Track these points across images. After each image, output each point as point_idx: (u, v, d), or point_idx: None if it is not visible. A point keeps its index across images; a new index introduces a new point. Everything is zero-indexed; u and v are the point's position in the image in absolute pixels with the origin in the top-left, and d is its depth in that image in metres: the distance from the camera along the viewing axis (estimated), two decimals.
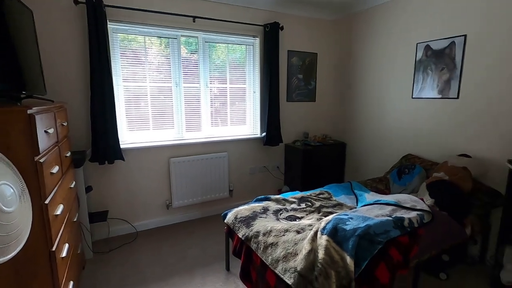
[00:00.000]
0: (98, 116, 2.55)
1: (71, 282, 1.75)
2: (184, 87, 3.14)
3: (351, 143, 3.80)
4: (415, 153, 2.95)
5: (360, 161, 3.68)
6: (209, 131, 3.36)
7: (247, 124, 3.62)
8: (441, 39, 2.62)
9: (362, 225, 1.64)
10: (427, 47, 2.73)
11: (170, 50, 3.02)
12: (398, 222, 1.72)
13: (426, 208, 1.91)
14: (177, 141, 3.12)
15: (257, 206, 2.24)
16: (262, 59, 3.46)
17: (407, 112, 3.01)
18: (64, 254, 1.60)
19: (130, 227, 2.97)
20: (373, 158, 3.49)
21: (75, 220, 2.09)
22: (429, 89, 2.76)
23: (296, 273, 1.45)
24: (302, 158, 3.48)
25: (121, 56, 2.77)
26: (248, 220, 2.02)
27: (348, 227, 1.64)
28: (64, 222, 1.73)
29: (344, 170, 3.94)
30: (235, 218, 2.10)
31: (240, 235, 1.94)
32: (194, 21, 2.98)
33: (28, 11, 1.80)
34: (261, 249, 1.73)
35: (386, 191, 2.65)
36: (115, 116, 2.63)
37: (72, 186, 2.07)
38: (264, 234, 1.81)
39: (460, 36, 2.47)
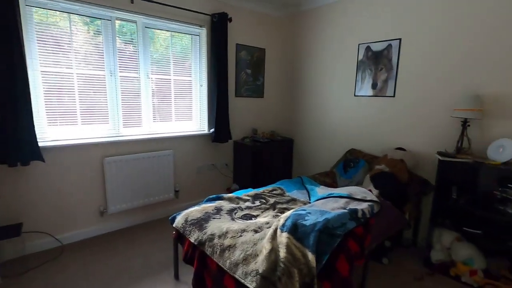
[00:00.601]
0: (5, 106, 2.05)
1: None
2: (120, 76, 2.77)
3: (298, 139, 3.89)
4: (358, 148, 3.14)
5: (307, 156, 3.79)
6: (151, 127, 3.03)
7: (194, 120, 3.39)
8: (379, 41, 2.82)
9: (321, 219, 1.63)
10: (368, 48, 2.92)
11: (103, 33, 2.62)
12: (353, 214, 1.76)
13: (375, 199, 2.02)
14: (112, 138, 2.73)
15: (209, 206, 2.08)
16: (209, 51, 3.27)
17: (350, 109, 3.19)
18: None
19: (53, 241, 2.50)
20: (319, 153, 3.62)
21: None
22: (369, 87, 2.96)
23: (258, 276, 1.35)
24: (251, 155, 3.42)
25: (38, 36, 2.28)
26: (200, 223, 1.84)
27: (307, 222, 1.61)
28: None
29: (292, 165, 4.01)
30: (186, 221, 1.91)
31: (192, 240, 1.76)
32: (132, 2, 2.64)
33: None
34: (217, 253, 1.58)
35: (334, 184, 2.75)
36: (31, 107, 2.15)
37: None
38: (219, 237, 1.66)
39: (396, 39, 2.69)
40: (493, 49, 2.13)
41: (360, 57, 3.00)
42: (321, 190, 2.41)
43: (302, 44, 3.66)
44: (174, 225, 1.97)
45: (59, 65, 2.42)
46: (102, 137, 2.69)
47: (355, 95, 3.11)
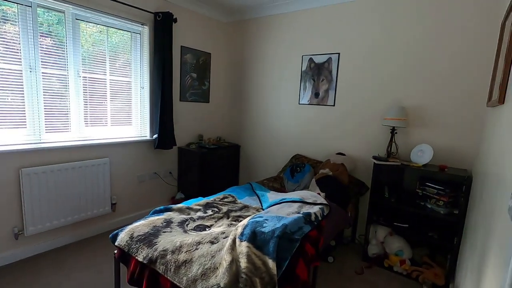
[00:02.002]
0: None
1: None
2: (43, 73, 2.37)
3: (245, 145, 3.90)
4: (302, 153, 3.30)
5: (254, 162, 3.83)
6: (82, 132, 2.67)
7: (134, 125, 3.11)
8: (321, 54, 3.04)
9: (279, 225, 1.64)
10: (311, 60, 3.12)
11: (20, 21, 2.20)
12: (307, 217, 1.83)
13: (325, 202, 2.14)
14: (31, 145, 2.31)
15: (157, 219, 1.91)
16: (152, 51, 3.06)
17: (295, 116, 3.34)
18: None
19: None
20: (265, 159, 3.69)
21: None
22: (312, 96, 3.15)
23: None
24: (198, 161, 3.29)
25: None
26: (149, 238, 1.67)
27: (266, 229, 1.60)
28: None
29: (238, 171, 3.99)
30: (131, 237, 1.71)
31: (140, 258, 1.58)
32: None
33: None
34: (172, 270, 1.45)
35: (282, 189, 2.83)
36: None
37: None
38: (173, 252, 1.53)
39: (335, 53, 2.94)
40: (416, 68, 2.50)
41: (304, 67, 3.19)
42: (272, 196, 2.44)
43: (249, 51, 3.72)
44: (116, 244, 1.74)
45: None
46: (17, 144, 2.25)
47: (299, 103, 3.28)
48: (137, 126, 3.13)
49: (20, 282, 2.03)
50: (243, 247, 1.50)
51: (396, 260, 2.43)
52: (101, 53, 2.74)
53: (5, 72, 2.17)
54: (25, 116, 2.31)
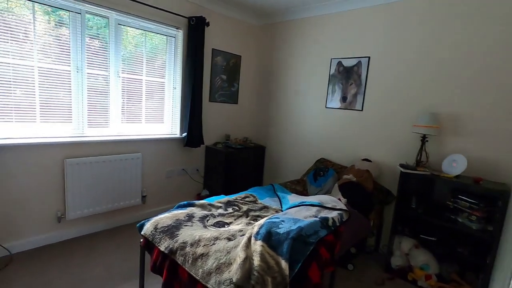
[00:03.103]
0: None
1: None
2: (88, 74, 2.61)
3: (270, 147, 3.94)
4: (327, 157, 3.26)
5: (278, 164, 3.85)
6: (119, 128, 2.89)
7: (165, 123, 3.29)
8: (350, 57, 2.98)
9: (294, 227, 1.66)
10: (339, 63, 3.08)
11: (71, 27, 2.46)
12: (324, 222, 1.82)
13: (344, 208, 2.11)
14: (75, 138, 2.55)
15: (180, 213, 2.02)
16: (185, 53, 3.22)
17: (321, 120, 3.32)
18: None
19: (0, 250, 2.24)
20: (290, 161, 3.70)
21: None
22: (339, 100, 3.11)
23: (232, 285, 1.33)
24: (224, 160, 3.39)
25: None
26: (171, 230, 1.78)
27: (281, 230, 1.63)
28: None
29: (263, 172, 4.04)
30: (155, 228, 1.83)
31: (162, 248, 1.69)
32: None
33: None
34: (190, 262, 1.54)
35: (304, 192, 2.82)
36: None
37: None
38: (192, 245, 1.62)
39: (365, 57, 2.87)
40: (453, 74, 2.36)
41: (332, 71, 3.15)
42: (293, 198, 2.45)
43: (278, 54, 3.75)
44: (142, 233, 1.88)
45: (17, 56, 2.22)
46: (63, 137, 2.50)
47: (326, 107, 3.25)
48: (168, 124, 3.31)
49: (58, 262, 2.26)
50: (257, 245, 1.54)
51: (421, 274, 2.31)
52: (139, 55, 2.94)
53: (57, 72, 2.43)
54: (71, 112, 2.56)
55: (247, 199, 2.45)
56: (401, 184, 2.38)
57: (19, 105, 2.28)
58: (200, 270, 1.48)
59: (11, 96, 2.23)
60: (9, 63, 2.19)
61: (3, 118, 2.21)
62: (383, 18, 2.73)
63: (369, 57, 2.85)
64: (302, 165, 3.52)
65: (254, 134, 4.15)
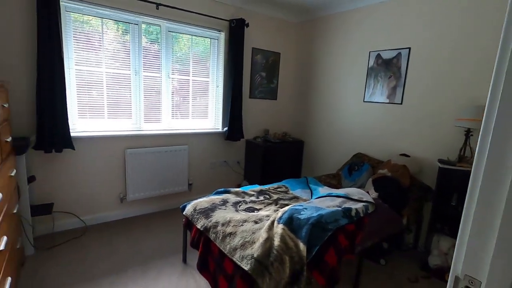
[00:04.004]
0: (45, 101, 2.35)
1: (9, 279, 1.61)
2: (144, 76, 3.02)
3: (308, 141, 4.00)
4: (364, 152, 3.22)
5: (316, 158, 3.90)
6: (170, 123, 3.28)
7: (209, 118, 3.61)
8: (389, 49, 2.89)
9: (315, 214, 1.77)
10: (378, 56, 3.00)
11: (130, 36, 2.88)
12: (347, 212, 1.89)
13: (371, 200, 2.12)
14: (134, 132, 2.99)
15: (216, 198, 2.27)
16: (226, 54, 3.47)
17: (359, 114, 3.28)
18: (1, 247, 1.46)
19: (78, 221, 2.78)
20: (327, 155, 3.73)
21: (14, 212, 1.91)
22: (378, 94, 3.04)
23: (253, 259, 1.51)
24: (262, 154, 3.58)
25: (74, 37, 2.58)
26: (207, 212, 2.03)
27: (302, 217, 1.75)
28: (2, 213, 1.58)
29: (301, 166, 4.13)
30: (194, 209, 2.11)
31: (198, 226, 1.95)
32: (157, 8, 2.88)
33: None
34: (220, 238, 1.77)
35: (338, 186, 2.86)
36: (66, 102, 2.44)
37: (12, 174, 1.89)
38: (223, 224, 1.84)
39: (405, 48, 2.76)
40: None
41: (371, 64, 3.09)
42: (323, 190, 2.53)
43: (315, 49, 3.78)
44: (184, 213, 2.17)
45: (91, 63, 2.70)
46: (125, 131, 2.96)
47: (364, 101, 3.20)
48: (212, 119, 3.62)
49: (120, 234, 2.72)
50: (279, 228, 1.70)
51: None
52: (186, 58, 3.29)
53: (120, 76, 2.89)
54: (131, 109, 3.01)
55: (279, 189, 2.60)
56: (439, 179, 2.28)
57: (93, 104, 2.77)
58: (228, 246, 1.69)
59: (87, 97, 2.73)
60: (86, 70, 2.68)
61: (82, 115, 2.73)
62: (424, 7, 2.60)
63: (409, 48, 2.73)
64: (339, 159, 3.52)
65: (293, 129, 4.25)
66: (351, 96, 3.35)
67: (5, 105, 1.84)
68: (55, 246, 2.45)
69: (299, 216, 1.76)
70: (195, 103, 3.45)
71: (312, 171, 3.95)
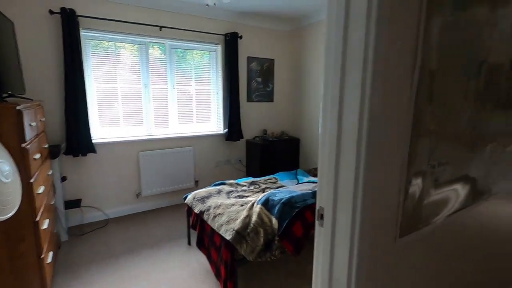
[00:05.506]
0: (71, 114, 2.87)
1: (51, 253, 2.09)
2: (152, 88, 3.51)
3: (304, 138, 4.34)
4: None
5: (311, 154, 4.23)
6: (176, 127, 3.74)
7: (212, 122, 4.04)
8: None
9: (287, 196, 2.13)
10: None
11: (139, 55, 3.37)
12: (315, 193, 2.22)
13: None
14: (146, 137, 3.47)
15: (213, 189, 2.68)
16: (223, 64, 3.90)
17: None
18: (45, 226, 1.94)
19: (102, 214, 3.29)
20: None
21: (52, 203, 2.42)
22: None
23: (234, 231, 1.90)
24: (260, 151, 3.96)
25: (93, 59, 3.10)
26: (203, 199, 2.45)
27: (276, 198, 2.12)
28: (44, 202, 2.07)
29: (298, 161, 4.47)
30: (194, 198, 2.53)
31: (196, 211, 2.37)
32: (160, 30, 3.36)
33: (10, 22, 2.11)
34: (211, 218, 2.17)
35: None
36: (87, 114, 2.96)
37: (49, 174, 2.40)
38: (214, 208, 2.25)
39: None
40: None
41: None
42: (307, 179, 2.87)
43: (306, 54, 4.13)
44: (185, 201, 2.60)
45: (107, 80, 3.21)
46: (138, 136, 3.45)
47: None
48: (214, 123, 4.05)
49: (138, 225, 3.20)
50: (257, 208, 2.08)
51: None
52: (189, 70, 3.75)
53: (133, 90, 3.38)
54: (142, 118, 3.50)
55: (269, 180, 2.97)
56: None
57: (110, 115, 3.28)
58: (217, 223, 2.09)
59: (105, 109, 3.24)
60: (104, 86, 3.20)
61: (103, 124, 3.24)
62: None
63: None
64: None
65: (290, 127, 4.60)
66: None
67: (42, 120, 2.36)
68: (84, 234, 2.96)
69: (274, 198, 2.13)
70: (198, 109, 3.90)
71: (307, 166, 4.28)
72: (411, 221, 1.06)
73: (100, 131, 3.24)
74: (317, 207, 0.98)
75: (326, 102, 0.90)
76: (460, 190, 1.25)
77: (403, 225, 1.03)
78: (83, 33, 2.97)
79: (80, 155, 2.99)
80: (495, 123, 1.36)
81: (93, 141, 3.03)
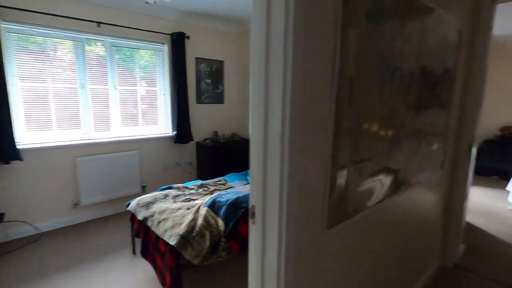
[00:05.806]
0: None
1: None
2: (91, 88, 3.25)
3: None
4: None
5: None
6: (120, 131, 3.52)
7: (159, 124, 3.89)
8: None
9: (234, 197, 2.15)
10: None
11: (74, 52, 3.10)
12: None
13: None
14: (84, 141, 3.21)
15: (159, 193, 2.58)
16: (170, 64, 3.79)
17: None
18: None
19: (32, 229, 2.95)
20: None
21: None
22: None
23: (178, 236, 1.86)
24: (211, 153, 3.93)
25: (18, 56, 2.76)
26: (148, 204, 2.34)
27: (223, 199, 2.13)
28: None
29: (249, 163, 4.52)
30: (137, 204, 2.40)
31: (139, 217, 2.25)
32: (99, 26, 3.14)
33: None
34: (155, 224, 2.09)
35: None
36: (10, 116, 2.63)
37: None
38: (159, 213, 2.17)
39: None
40: None
41: None
42: None
43: None
44: (128, 209, 2.46)
45: (36, 79, 2.89)
46: (75, 140, 3.16)
47: None
48: (162, 125, 3.91)
49: (76, 237, 2.93)
50: (203, 210, 2.06)
51: None
52: (132, 69, 3.55)
53: (68, 89, 3.09)
54: (80, 120, 3.22)
55: (218, 182, 2.97)
56: None
57: (40, 117, 2.96)
58: (161, 229, 2.02)
59: (34, 111, 2.91)
60: (31, 86, 2.87)
61: (31, 128, 2.90)
62: None
63: None
64: None
65: (241, 129, 4.65)
66: None
67: None
68: (10, 252, 2.62)
69: (220, 199, 2.14)
70: (145, 110, 3.72)
71: None
72: (338, 214, 1.16)
73: (28, 135, 2.90)
74: (250, 206, 1.01)
75: (253, 107, 0.94)
76: (382, 183, 1.40)
77: (331, 217, 1.12)
78: (2, 25, 2.63)
79: (2, 163, 2.64)
80: (410, 123, 1.55)
81: (18, 147, 2.70)
